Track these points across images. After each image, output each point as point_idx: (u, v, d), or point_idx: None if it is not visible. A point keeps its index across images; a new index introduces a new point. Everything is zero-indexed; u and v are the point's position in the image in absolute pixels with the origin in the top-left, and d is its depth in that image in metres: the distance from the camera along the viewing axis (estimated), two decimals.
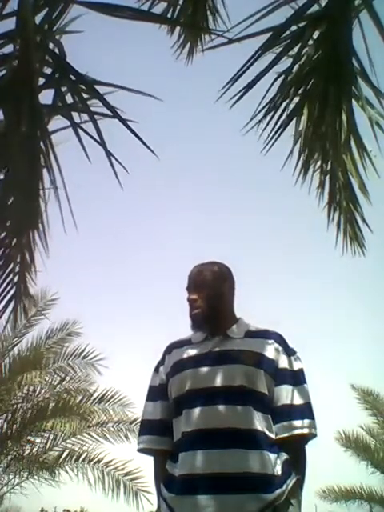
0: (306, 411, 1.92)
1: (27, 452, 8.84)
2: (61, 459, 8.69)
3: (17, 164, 2.27)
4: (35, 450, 8.80)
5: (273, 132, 2.47)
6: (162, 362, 2.11)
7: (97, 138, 2.13)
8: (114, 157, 2.08)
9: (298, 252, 18.76)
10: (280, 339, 2.01)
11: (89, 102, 2.19)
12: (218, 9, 3.15)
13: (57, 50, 2.19)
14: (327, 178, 2.98)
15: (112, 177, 2.06)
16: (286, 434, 1.87)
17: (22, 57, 2.09)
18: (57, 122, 2.28)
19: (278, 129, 2.48)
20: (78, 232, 2.19)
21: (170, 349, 2.11)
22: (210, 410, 1.87)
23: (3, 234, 2.52)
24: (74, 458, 8.71)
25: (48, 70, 2.27)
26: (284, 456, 1.85)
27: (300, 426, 1.88)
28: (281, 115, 2.50)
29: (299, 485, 1.85)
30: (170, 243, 18.03)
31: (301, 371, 1.98)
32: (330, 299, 17.88)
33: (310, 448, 1.94)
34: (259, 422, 1.85)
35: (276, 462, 1.82)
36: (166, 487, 1.90)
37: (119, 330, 15.81)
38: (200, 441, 1.84)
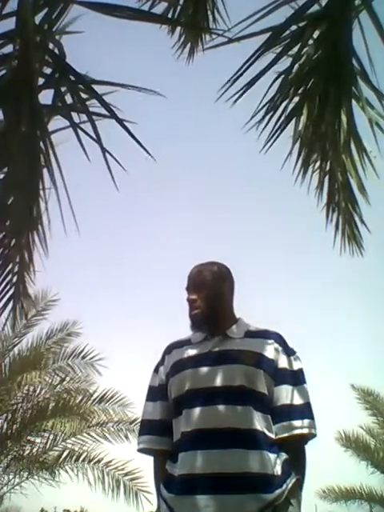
0: (305, 411, 1.92)
1: (27, 452, 8.85)
2: (61, 459, 8.69)
3: (16, 164, 2.27)
4: (35, 450, 8.81)
5: (272, 132, 2.47)
6: (161, 363, 2.11)
7: (95, 138, 2.12)
8: (112, 155, 2.07)
9: (298, 252, 18.77)
10: (280, 339, 2.01)
11: (88, 103, 2.19)
12: (219, 8, 3.15)
13: (56, 50, 2.19)
14: (326, 178, 2.98)
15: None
16: (285, 434, 1.87)
17: (22, 57, 2.09)
18: (57, 122, 2.29)
19: (278, 128, 2.48)
20: (78, 232, 2.19)
21: (169, 349, 2.11)
22: (210, 409, 1.87)
23: (2, 234, 2.52)
24: (74, 458, 8.72)
25: (48, 70, 2.27)
26: (284, 456, 1.85)
27: (300, 425, 1.88)
28: (280, 115, 2.50)
29: (299, 485, 1.85)
30: (170, 243, 18.04)
31: (300, 371, 1.98)
32: (329, 299, 17.89)
33: (310, 448, 1.94)
34: (259, 422, 1.85)
35: (276, 462, 1.82)
36: (166, 487, 1.90)
37: (119, 330, 15.82)
38: (200, 441, 1.84)
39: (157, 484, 1.98)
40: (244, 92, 2.36)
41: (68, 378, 9.11)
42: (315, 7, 2.44)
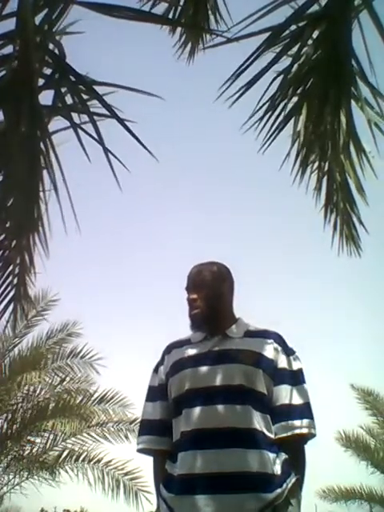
0: (305, 411, 1.92)
1: (27, 452, 8.85)
2: (61, 459, 8.69)
3: (17, 165, 2.27)
4: (35, 450, 8.81)
5: (271, 131, 2.47)
6: (161, 362, 2.11)
7: (96, 138, 2.13)
8: (115, 155, 2.08)
9: (298, 252, 18.77)
10: (279, 339, 2.01)
11: (89, 103, 2.19)
12: (219, 8, 3.15)
13: (57, 51, 2.19)
14: (325, 178, 2.98)
15: (112, 177, 2.07)
16: (285, 434, 1.87)
17: (22, 57, 2.09)
18: (57, 122, 2.29)
19: (277, 128, 2.48)
20: (78, 232, 2.19)
21: (169, 349, 2.11)
22: (210, 409, 1.87)
23: (3, 236, 2.52)
24: (74, 457, 8.72)
25: (48, 71, 2.27)
26: (283, 456, 1.85)
27: (299, 425, 1.88)
28: (279, 114, 2.50)
29: (299, 484, 1.85)
30: (170, 243, 18.04)
31: (300, 371, 1.99)
32: (329, 299, 17.89)
33: (310, 448, 1.94)
34: (258, 422, 1.85)
35: (275, 462, 1.82)
36: (166, 487, 1.90)
37: (119, 330, 15.82)
38: (199, 440, 1.85)
39: (156, 484, 1.98)
40: (243, 92, 2.36)
41: (68, 379, 9.11)
42: (315, 7, 2.44)
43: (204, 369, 1.94)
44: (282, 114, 2.52)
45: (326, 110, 2.56)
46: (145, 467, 6.69)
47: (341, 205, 3.02)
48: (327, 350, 16.92)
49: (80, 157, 2.09)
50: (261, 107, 2.45)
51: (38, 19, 2.13)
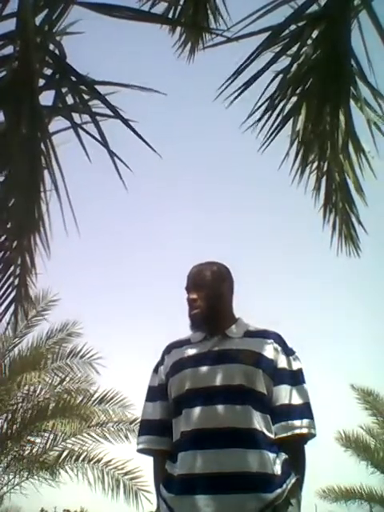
0: (305, 411, 1.92)
1: (27, 452, 8.85)
2: (61, 459, 8.69)
3: (17, 165, 2.27)
4: (35, 450, 8.81)
5: (270, 131, 2.47)
6: (161, 363, 2.11)
7: (99, 138, 2.12)
8: (118, 156, 2.08)
9: (298, 252, 18.79)
10: (279, 339, 2.01)
11: (90, 103, 2.19)
12: (219, 8, 3.16)
13: (57, 51, 2.19)
14: (324, 178, 2.98)
15: (112, 177, 2.06)
16: (285, 434, 1.87)
17: (23, 58, 2.09)
18: (57, 123, 2.29)
19: (276, 128, 2.48)
20: (78, 233, 2.19)
21: (169, 349, 2.11)
22: (210, 409, 1.87)
23: (4, 237, 2.52)
24: (74, 457, 8.72)
25: (48, 71, 2.27)
26: (283, 456, 1.85)
27: (299, 425, 1.88)
28: (278, 114, 2.50)
29: (299, 484, 1.85)
30: (170, 243, 18.06)
31: (300, 371, 1.99)
32: (329, 299, 17.90)
33: (310, 448, 1.94)
34: (258, 422, 1.85)
35: (275, 462, 1.82)
36: (166, 487, 1.90)
37: (118, 330, 15.83)
38: (199, 440, 1.85)
39: (156, 484, 1.98)
40: (242, 91, 2.36)
41: (68, 379, 9.11)
42: (314, 7, 2.45)
43: (204, 369, 1.94)
44: (282, 113, 2.52)
45: (325, 110, 2.57)
46: (145, 467, 6.70)
47: (340, 205, 3.02)
48: (327, 350, 16.94)
49: (80, 157, 2.09)
50: (260, 107, 2.46)
51: (38, 20, 2.13)
